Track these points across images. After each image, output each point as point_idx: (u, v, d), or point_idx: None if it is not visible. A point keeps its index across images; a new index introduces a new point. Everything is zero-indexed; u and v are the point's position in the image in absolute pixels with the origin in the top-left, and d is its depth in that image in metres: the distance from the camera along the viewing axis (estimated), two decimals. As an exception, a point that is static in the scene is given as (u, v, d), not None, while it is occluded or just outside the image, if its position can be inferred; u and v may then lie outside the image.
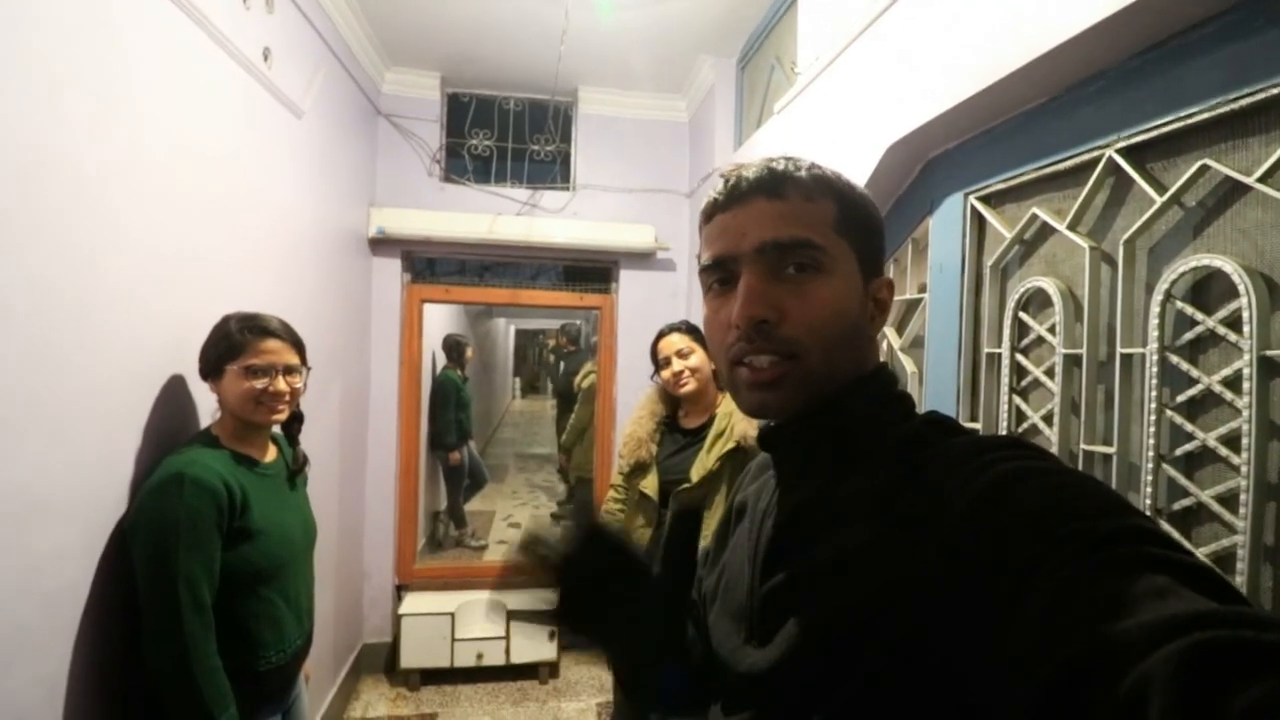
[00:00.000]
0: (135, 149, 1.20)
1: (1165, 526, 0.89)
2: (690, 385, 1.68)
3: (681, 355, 1.69)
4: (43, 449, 0.98)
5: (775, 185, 0.50)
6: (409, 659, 2.67)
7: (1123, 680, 0.26)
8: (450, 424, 3.79)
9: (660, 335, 1.76)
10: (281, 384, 1.22)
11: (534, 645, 2.75)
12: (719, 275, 0.52)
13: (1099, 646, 0.27)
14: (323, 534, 1.47)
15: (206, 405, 1.37)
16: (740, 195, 0.51)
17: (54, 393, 1.00)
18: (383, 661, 2.81)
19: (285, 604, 1.21)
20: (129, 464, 1.18)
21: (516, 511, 4.94)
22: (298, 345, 1.28)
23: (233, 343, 1.20)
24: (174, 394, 1.30)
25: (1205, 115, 0.84)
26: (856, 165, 1.45)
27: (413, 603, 2.77)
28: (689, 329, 1.75)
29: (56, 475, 1.01)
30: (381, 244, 2.80)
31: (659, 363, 1.75)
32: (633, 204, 3.04)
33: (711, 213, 0.54)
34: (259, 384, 1.19)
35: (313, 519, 1.38)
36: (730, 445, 1.59)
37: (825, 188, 0.52)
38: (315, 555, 1.38)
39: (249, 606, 1.14)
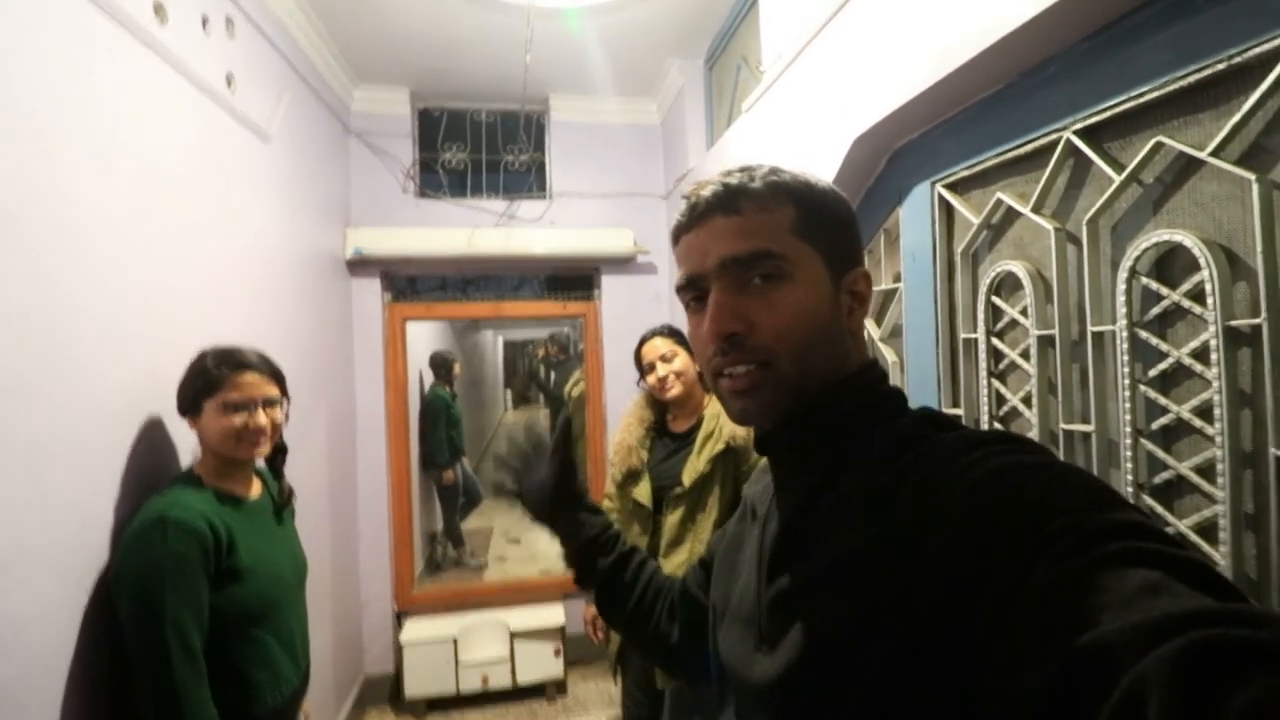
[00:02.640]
0: (102, 181, 1.18)
1: (1148, 502, 0.90)
2: (676, 389, 1.68)
3: (665, 359, 1.68)
4: (18, 500, 0.96)
5: (730, 201, 0.52)
6: (413, 688, 2.64)
7: (1119, 681, 0.26)
8: (441, 442, 3.76)
9: (643, 341, 1.75)
10: (261, 418, 1.20)
11: (540, 664, 2.74)
12: (693, 293, 0.54)
13: (1094, 647, 0.27)
14: (316, 565, 1.45)
15: (186, 445, 1.35)
16: (700, 215, 0.53)
17: (29, 439, 0.98)
18: (386, 693, 2.78)
19: (279, 643, 1.19)
20: (109, 511, 1.16)
21: (515, 527, 4.90)
22: (277, 376, 1.26)
23: (209, 378, 1.18)
24: (152, 435, 1.28)
25: (1156, 93, 0.85)
26: (825, 159, 1.46)
27: (414, 629, 2.74)
28: (671, 332, 1.74)
29: (34, 527, 0.98)
30: (359, 265, 2.78)
31: (643, 369, 1.74)
32: (610, 209, 3.04)
33: (678, 235, 0.55)
34: (238, 419, 1.17)
35: (302, 553, 1.36)
36: (720, 446, 1.59)
37: (782, 194, 0.52)
38: (309, 589, 1.36)
39: (241, 649, 1.12)
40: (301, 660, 1.26)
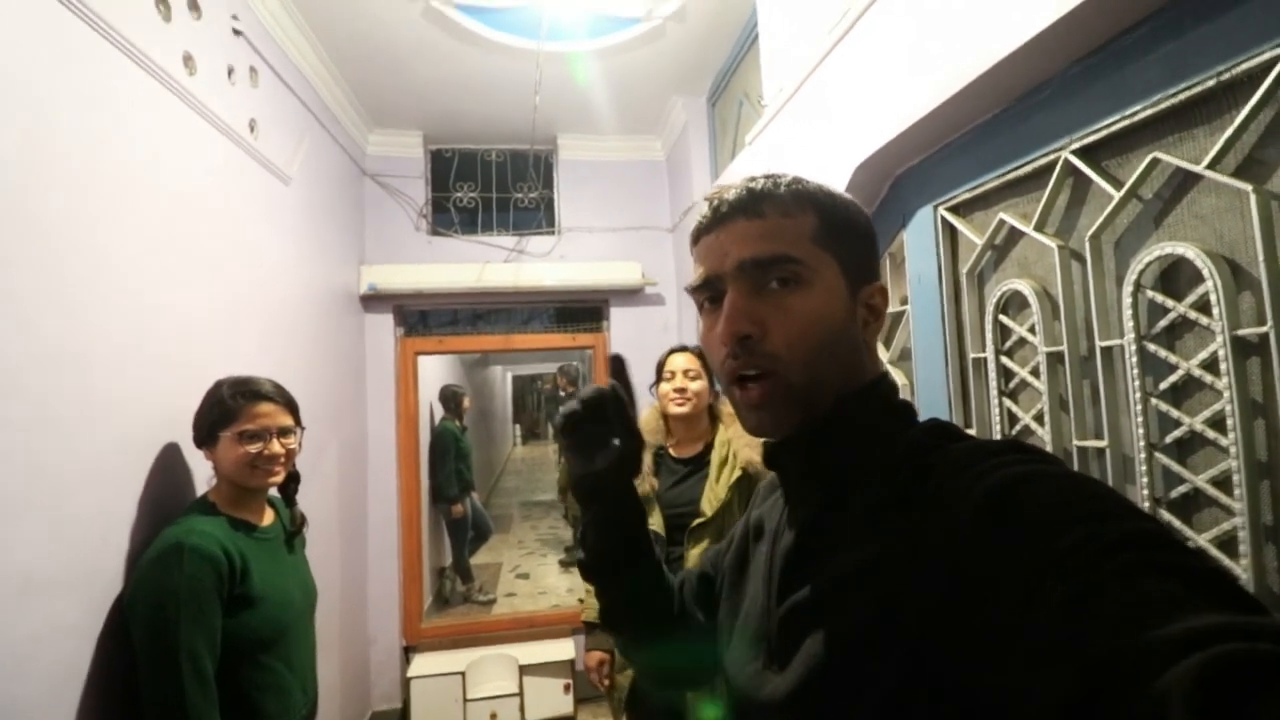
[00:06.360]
0: (132, 222, 1.24)
1: (1166, 516, 0.89)
2: (685, 408, 1.67)
3: (688, 375, 1.69)
4: (40, 525, 0.97)
5: (754, 204, 0.52)
6: (421, 724, 2.58)
7: (1140, 696, 0.25)
8: (451, 476, 3.75)
9: (671, 351, 1.76)
10: (276, 446, 1.22)
11: (550, 700, 2.67)
12: (708, 294, 0.54)
13: (1114, 660, 0.27)
14: (325, 597, 1.44)
15: (201, 472, 1.37)
16: (722, 217, 0.53)
17: (53, 466, 1.00)
18: (394, 729, 2.71)
19: (289, 671, 1.18)
20: (125, 537, 1.17)
21: (524, 562, 4.85)
22: (291, 406, 1.29)
23: (225, 409, 1.20)
24: (169, 463, 1.30)
25: (1150, 111, 0.88)
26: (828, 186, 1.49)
27: (422, 664, 2.69)
28: (699, 352, 1.75)
29: (53, 551, 1.00)
30: (373, 300, 2.83)
31: (662, 376, 1.74)
32: (618, 243, 3.10)
33: (698, 235, 0.55)
34: (253, 449, 1.19)
35: (312, 581, 1.36)
36: (738, 474, 1.58)
37: (805, 201, 0.53)
38: (317, 620, 1.35)
39: (251, 675, 1.12)
40: (310, 689, 1.25)
